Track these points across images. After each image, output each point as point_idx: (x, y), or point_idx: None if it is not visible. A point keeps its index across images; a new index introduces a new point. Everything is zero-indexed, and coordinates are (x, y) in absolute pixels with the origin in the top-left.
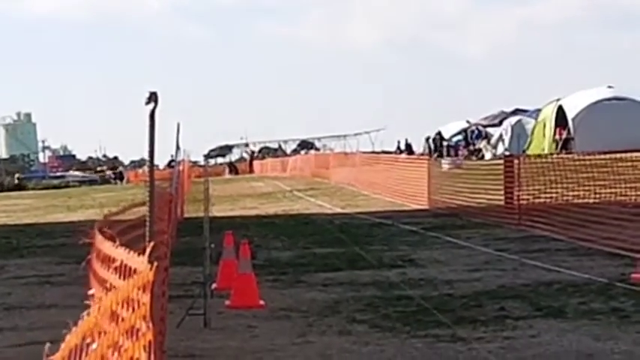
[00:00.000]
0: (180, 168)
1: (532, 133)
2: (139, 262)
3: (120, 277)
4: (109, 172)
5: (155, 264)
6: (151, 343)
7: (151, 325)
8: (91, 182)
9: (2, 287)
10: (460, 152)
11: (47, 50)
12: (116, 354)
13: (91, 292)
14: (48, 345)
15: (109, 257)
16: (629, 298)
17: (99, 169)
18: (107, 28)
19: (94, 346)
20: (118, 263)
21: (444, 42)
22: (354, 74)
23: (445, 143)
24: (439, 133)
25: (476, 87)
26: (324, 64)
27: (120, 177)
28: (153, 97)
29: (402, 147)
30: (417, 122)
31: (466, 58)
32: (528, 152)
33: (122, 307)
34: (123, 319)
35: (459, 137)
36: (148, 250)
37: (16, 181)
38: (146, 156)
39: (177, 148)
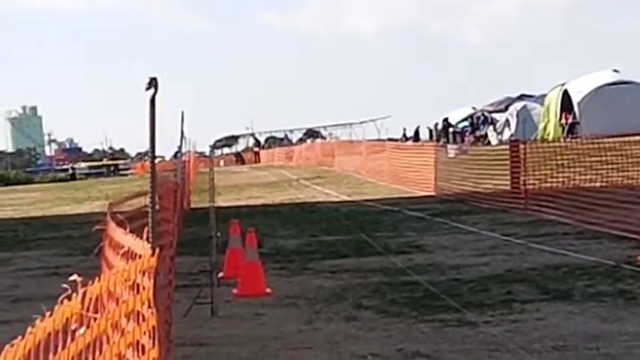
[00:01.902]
0: (186, 158)
1: (543, 119)
2: (142, 247)
3: (127, 263)
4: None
5: (157, 249)
6: (155, 328)
7: (154, 311)
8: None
9: (9, 279)
10: (466, 138)
11: (51, 43)
12: (118, 335)
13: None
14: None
15: (119, 244)
16: (636, 280)
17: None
18: (110, 20)
19: (82, 331)
20: (125, 249)
21: (448, 29)
22: (359, 63)
23: (451, 130)
24: (446, 120)
25: (480, 73)
26: (328, 53)
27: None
28: (153, 83)
29: (408, 134)
30: (422, 110)
31: (470, 45)
32: (535, 137)
33: (124, 289)
34: (124, 302)
35: (465, 123)
36: (149, 236)
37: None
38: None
39: (182, 136)
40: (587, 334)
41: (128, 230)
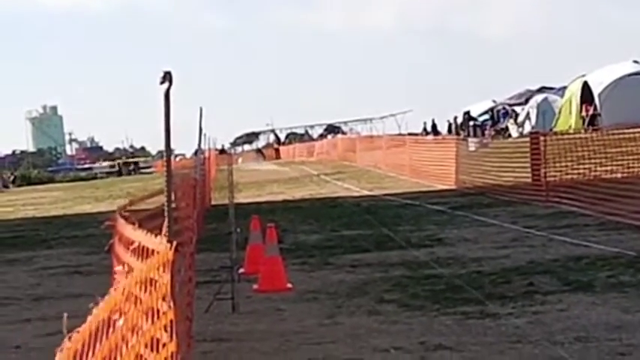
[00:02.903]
0: (206, 155)
1: (559, 110)
2: (157, 242)
3: (138, 259)
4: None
5: (174, 243)
6: (172, 323)
7: (172, 304)
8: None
9: (31, 278)
10: (487, 132)
11: (71, 43)
12: (135, 336)
13: (117, 268)
14: (66, 315)
15: (130, 240)
16: None
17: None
18: (129, 18)
19: (121, 322)
20: (135, 245)
21: (467, 22)
22: (379, 58)
23: (471, 123)
24: (467, 113)
25: (500, 67)
26: (348, 49)
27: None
28: (167, 77)
29: (428, 128)
30: (443, 104)
31: (489, 38)
32: (555, 129)
33: (141, 289)
34: (141, 301)
35: (486, 117)
36: (165, 230)
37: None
38: (173, 145)
39: (201, 133)
40: (609, 325)
41: (137, 225)
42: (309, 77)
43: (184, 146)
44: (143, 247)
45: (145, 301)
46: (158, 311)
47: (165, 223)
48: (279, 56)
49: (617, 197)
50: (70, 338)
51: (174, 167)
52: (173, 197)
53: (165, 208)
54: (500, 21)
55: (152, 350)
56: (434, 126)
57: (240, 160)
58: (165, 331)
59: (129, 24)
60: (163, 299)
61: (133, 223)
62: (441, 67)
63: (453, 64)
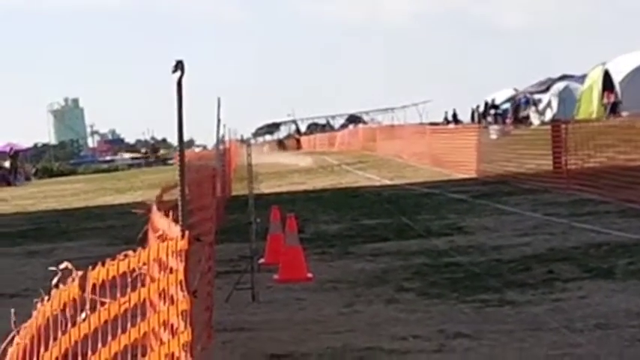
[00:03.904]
0: (227, 146)
1: (580, 98)
2: (175, 232)
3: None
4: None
5: (187, 233)
6: (187, 312)
7: (186, 294)
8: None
9: (50, 271)
10: (508, 120)
11: (92, 35)
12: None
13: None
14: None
15: (157, 229)
16: None
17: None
18: (149, 10)
19: (83, 316)
20: (160, 233)
21: (488, 11)
22: (400, 48)
23: (493, 111)
24: (493, 101)
25: (521, 55)
26: (369, 39)
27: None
28: (179, 66)
29: (449, 118)
30: (464, 93)
31: (510, 27)
32: (577, 117)
33: (154, 268)
34: (153, 281)
35: (507, 105)
36: (180, 219)
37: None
38: (194, 136)
39: (219, 123)
40: (629, 312)
41: (163, 213)
42: (331, 68)
43: (207, 137)
44: (166, 235)
45: (159, 281)
46: (171, 296)
47: (180, 213)
48: (300, 47)
49: (638, 185)
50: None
51: (193, 158)
52: (187, 189)
53: (179, 199)
54: (520, 9)
55: (167, 332)
56: (454, 115)
57: (265, 148)
58: (181, 318)
59: (149, 17)
60: (179, 287)
61: (164, 212)
62: (462, 56)
63: (474, 53)
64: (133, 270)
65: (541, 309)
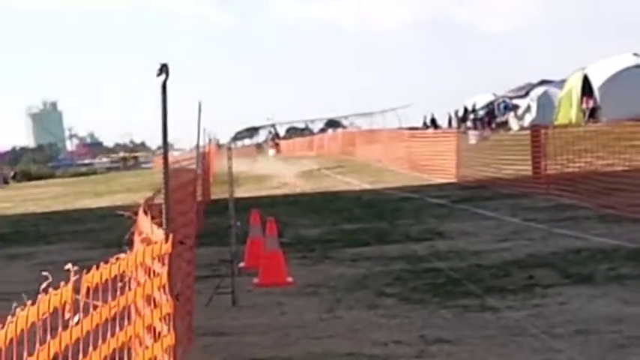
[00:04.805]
0: (206, 150)
1: (559, 103)
2: (158, 235)
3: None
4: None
5: (171, 235)
6: (170, 316)
7: (169, 297)
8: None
9: (31, 273)
10: (486, 125)
11: (71, 38)
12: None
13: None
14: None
15: (142, 232)
16: None
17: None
18: (131, 14)
19: (75, 319)
20: (144, 236)
21: (468, 16)
22: (379, 52)
23: (472, 116)
24: (473, 106)
25: (501, 60)
26: (348, 43)
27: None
28: (164, 69)
29: (428, 122)
30: (444, 97)
31: (490, 32)
32: (556, 123)
33: (137, 272)
34: (139, 285)
35: (481, 113)
36: (163, 223)
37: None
38: (173, 140)
39: (199, 127)
40: (609, 318)
41: (150, 217)
42: (310, 72)
43: (185, 141)
44: (150, 239)
45: (144, 285)
46: (153, 300)
47: (164, 217)
48: (280, 50)
49: (617, 190)
50: None
51: (172, 162)
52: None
53: (163, 202)
54: (500, 14)
55: (150, 336)
56: (433, 120)
57: (270, 151)
58: (164, 323)
59: (130, 19)
60: (162, 291)
61: (152, 216)
62: (441, 61)
63: (453, 58)
64: (123, 274)
65: (521, 314)
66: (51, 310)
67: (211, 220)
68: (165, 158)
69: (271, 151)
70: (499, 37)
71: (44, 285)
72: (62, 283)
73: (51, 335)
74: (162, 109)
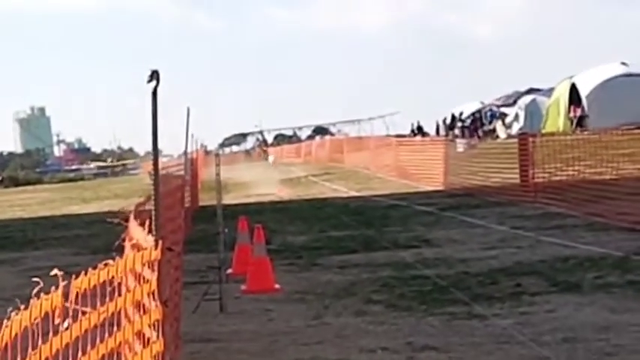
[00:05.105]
0: (194, 156)
1: (547, 112)
2: (149, 241)
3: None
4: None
5: (160, 242)
6: (159, 322)
7: (158, 303)
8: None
9: (19, 279)
10: (474, 133)
11: (59, 43)
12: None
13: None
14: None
15: (133, 238)
16: None
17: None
18: (117, 19)
19: (65, 325)
20: (134, 241)
21: (457, 23)
22: (368, 59)
23: (460, 124)
24: (460, 114)
25: (488, 68)
26: (337, 49)
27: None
28: (154, 76)
29: (416, 130)
30: (431, 105)
31: (477, 39)
32: (543, 131)
33: (126, 279)
34: (129, 291)
35: (472, 118)
36: (153, 230)
37: None
38: (161, 146)
39: (188, 133)
40: (596, 326)
41: (139, 222)
42: (298, 78)
43: (173, 147)
44: (140, 245)
45: (134, 291)
46: (143, 306)
47: (153, 224)
48: (267, 57)
49: (605, 199)
50: None
51: (161, 168)
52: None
53: (153, 208)
54: (488, 22)
55: (140, 343)
56: (420, 127)
57: (270, 158)
58: (153, 329)
59: (117, 24)
60: (152, 297)
61: (142, 222)
62: (429, 68)
63: (441, 66)
64: (112, 279)
65: (509, 322)
66: (42, 315)
67: (199, 227)
68: (156, 165)
69: (271, 158)
70: (487, 45)
71: (35, 290)
72: (52, 289)
73: (42, 340)
74: (152, 116)
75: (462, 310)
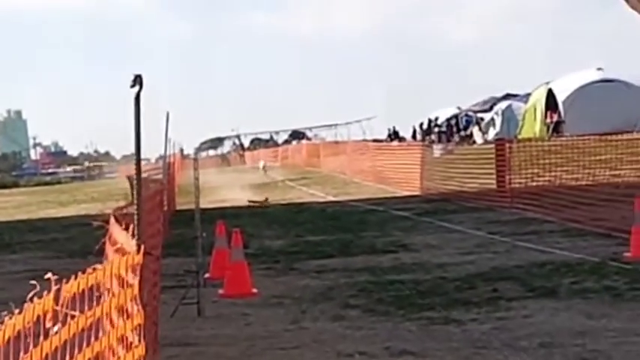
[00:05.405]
0: (171, 160)
1: (523, 117)
2: (132, 245)
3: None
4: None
5: (143, 247)
6: (141, 326)
7: (140, 308)
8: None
9: None
10: (451, 138)
11: (36, 47)
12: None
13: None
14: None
15: (116, 242)
16: (621, 277)
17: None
18: (95, 22)
19: (55, 329)
20: (118, 246)
21: (433, 29)
22: (345, 63)
23: (436, 129)
24: (436, 119)
25: (465, 73)
26: (313, 54)
27: None
28: (138, 80)
29: (393, 135)
30: (409, 110)
31: (454, 45)
32: (520, 137)
33: (111, 283)
34: (114, 295)
35: (447, 123)
36: (135, 234)
37: None
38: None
39: (167, 137)
40: (573, 331)
41: (123, 226)
42: (275, 82)
43: (149, 151)
44: (124, 249)
45: (118, 296)
46: (126, 311)
47: (136, 227)
48: (244, 61)
49: (581, 204)
50: None
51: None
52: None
53: (135, 213)
54: (466, 28)
55: (122, 347)
56: (396, 132)
57: (261, 163)
58: (135, 333)
59: (94, 28)
60: (134, 301)
61: (125, 226)
62: (406, 74)
63: (418, 71)
64: (99, 285)
65: (486, 327)
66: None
67: (176, 231)
68: (139, 169)
69: (262, 163)
70: (464, 51)
71: (32, 294)
72: (45, 293)
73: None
74: (135, 120)
75: (440, 315)
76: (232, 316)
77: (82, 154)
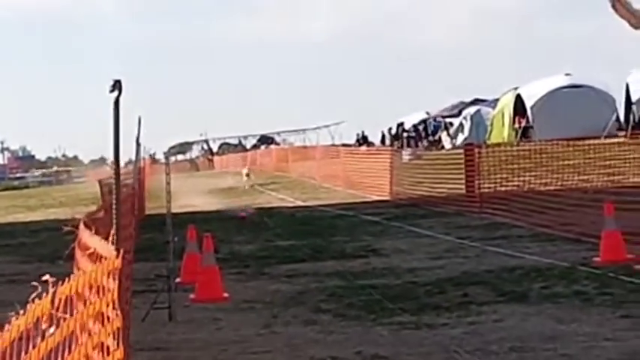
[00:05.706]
0: (141, 165)
1: (492, 122)
2: (109, 250)
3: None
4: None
5: (122, 251)
6: (120, 330)
7: (119, 312)
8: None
9: None
10: (419, 143)
11: (2, 48)
12: (85, 336)
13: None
14: None
15: (87, 247)
16: (591, 281)
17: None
18: (63, 25)
19: (51, 330)
20: (91, 250)
21: (401, 33)
22: (313, 68)
23: (405, 134)
24: (402, 124)
25: (433, 78)
26: (282, 58)
27: None
28: (117, 85)
29: (362, 139)
30: (376, 115)
31: (422, 50)
32: (489, 142)
33: (90, 291)
34: (91, 303)
35: (419, 128)
36: (113, 238)
37: None
38: (106, 154)
39: (138, 142)
40: (543, 335)
41: (94, 231)
42: (243, 86)
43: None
44: (98, 253)
45: (95, 303)
46: (104, 316)
47: (113, 231)
48: (212, 65)
49: (551, 209)
50: None
51: (106, 177)
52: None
53: (113, 217)
54: (433, 33)
55: (100, 354)
56: (365, 137)
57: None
58: (113, 337)
59: (62, 30)
60: (112, 306)
61: (95, 230)
62: (374, 79)
63: (386, 75)
64: (82, 291)
65: (457, 332)
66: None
67: (146, 235)
68: (117, 174)
69: (245, 171)
70: (433, 56)
71: (33, 296)
72: (44, 295)
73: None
74: (114, 125)
75: (411, 319)
76: (204, 321)
77: (50, 158)
